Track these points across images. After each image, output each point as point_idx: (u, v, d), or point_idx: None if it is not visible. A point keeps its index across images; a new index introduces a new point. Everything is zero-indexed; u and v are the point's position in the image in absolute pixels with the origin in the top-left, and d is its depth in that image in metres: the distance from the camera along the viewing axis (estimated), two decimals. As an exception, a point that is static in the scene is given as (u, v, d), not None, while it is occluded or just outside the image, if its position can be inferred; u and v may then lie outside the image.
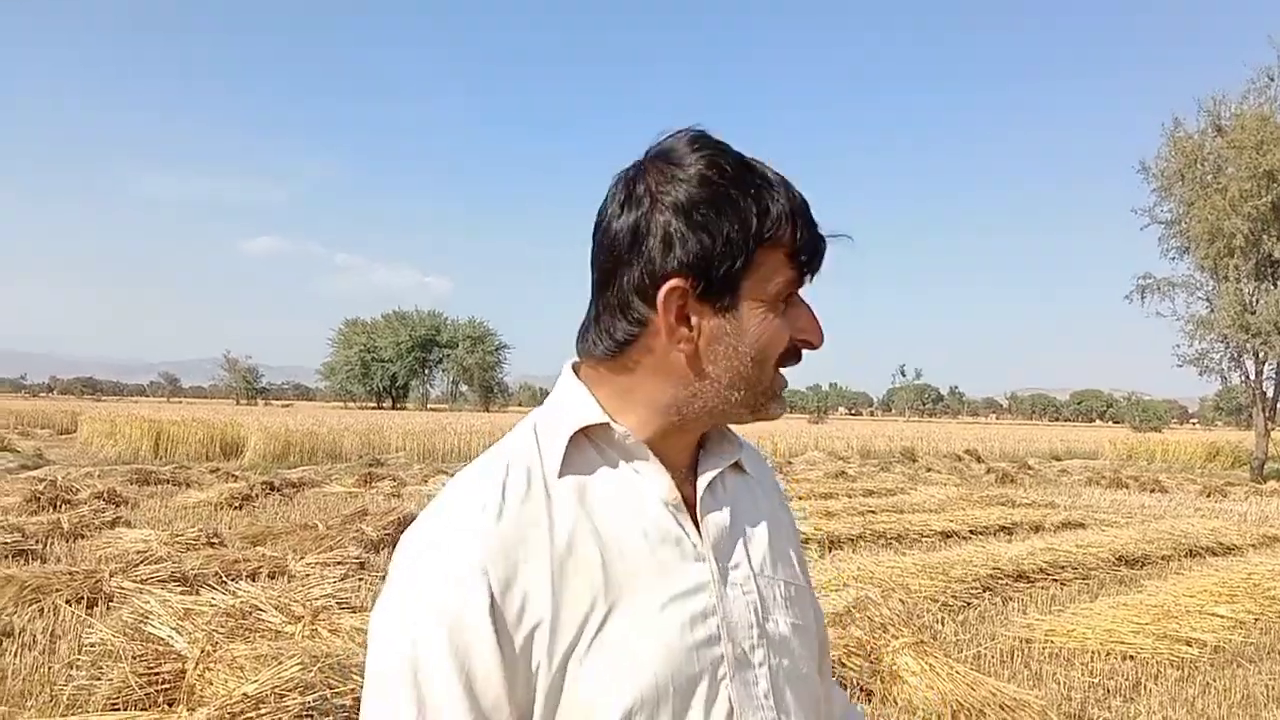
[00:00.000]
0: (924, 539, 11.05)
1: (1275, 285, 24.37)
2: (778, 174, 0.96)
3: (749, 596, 0.97)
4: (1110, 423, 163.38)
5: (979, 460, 29.70)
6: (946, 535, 11.38)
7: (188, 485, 14.70)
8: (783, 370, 0.99)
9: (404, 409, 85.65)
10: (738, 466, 1.08)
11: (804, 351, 1.01)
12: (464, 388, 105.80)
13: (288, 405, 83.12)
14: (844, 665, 5.16)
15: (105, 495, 11.81)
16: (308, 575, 7.53)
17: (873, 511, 13.24)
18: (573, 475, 0.94)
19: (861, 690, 5.05)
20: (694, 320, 0.95)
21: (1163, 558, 10.13)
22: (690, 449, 1.03)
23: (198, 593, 6.40)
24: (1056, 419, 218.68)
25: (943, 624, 6.79)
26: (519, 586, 0.86)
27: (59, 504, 11.13)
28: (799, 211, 0.94)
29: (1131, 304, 26.95)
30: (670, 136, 0.97)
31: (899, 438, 35.58)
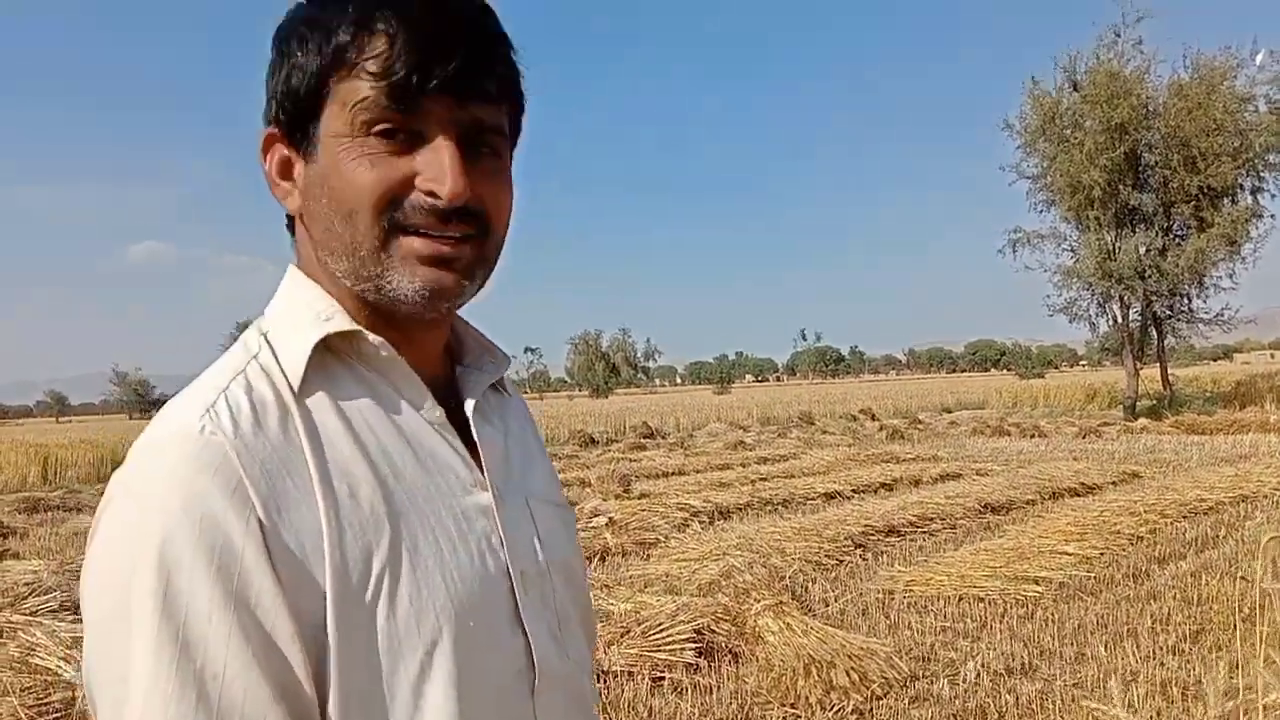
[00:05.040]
0: (809, 502, 11.53)
1: (1133, 232, 25.70)
2: None
3: (526, 521, 0.92)
4: (1004, 370, 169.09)
5: (873, 418, 30.63)
6: (830, 496, 11.88)
7: (79, 510, 14.45)
8: (414, 231, 0.80)
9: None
10: (495, 386, 0.99)
11: (490, 224, 0.84)
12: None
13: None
14: (713, 631, 5.52)
15: (-10, 528, 11.59)
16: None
17: (764, 479, 13.74)
18: (323, 393, 0.81)
19: (730, 652, 5.42)
20: (296, 171, 0.84)
21: (1027, 502, 10.79)
22: (435, 356, 0.93)
23: (87, 620, 6.47)
24: (953, 370, 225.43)
25: (814, 583, 7.22)
26: (289, 514, 0.73)
27: (-59, 542, 10.90)
28: (402, 21, 0.77)
29: (1004, 257, 28.10)
30: None
31: (798, 402, 36.53)
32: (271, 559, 0.71)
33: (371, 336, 0.83)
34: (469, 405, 0.91)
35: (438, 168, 0.78)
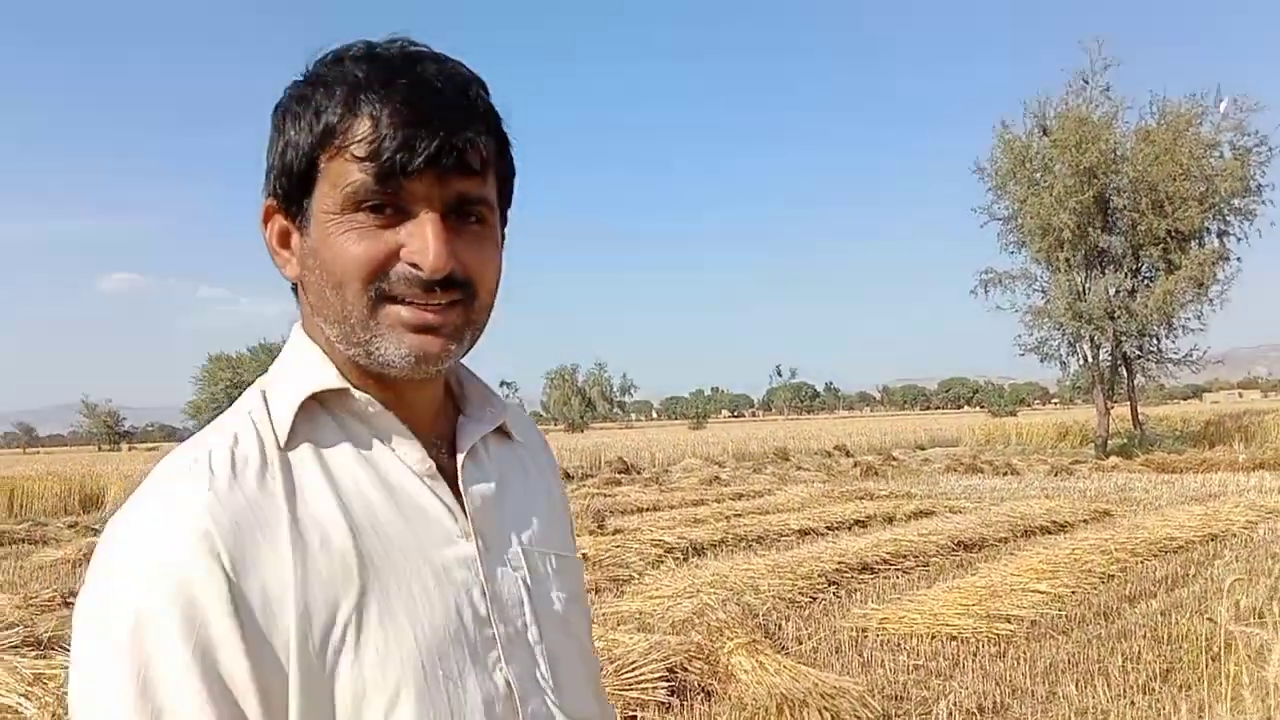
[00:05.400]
0: (783, 538, 11.53)
1: (1103, 274, 26.09)
2: (388, 67, 0.83)
3: (519, 573, 0.91)
4: (977, 408, 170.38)
5: (847, 455, 30.76)
6: (804, 533, 11.88)
7: (44, 543, 14.24)
8: (401, 300, 0.83)
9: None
10: (503, 432, 1.01)
11: (485, 293, 0.88)
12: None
13: (154, 448, 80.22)
14: (685, 670, 5.51)
15: (-48, 561, 11.39)
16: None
17: (739, 515, 13.71)
18: (309, 445, 0.84)
19: (702, 691, 5.41)
20: (293, 242, 0.89)
21: (1000, 540, 10.84)
22: (435, 410, 0.95)
23: (51, 656, 6.36)
24: (927, 407, 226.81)
25: (787, 620, 7.22)
26: (255, 564, 0.76)
27: (-98, 575, 10.71)
28: (387, 103, 0.80)
29: (976, 298, 28.41)
30: None
31: (773, 438, 36.53)
32: (236, 609, 0.74)
33: (358, 393, 0.86)
34: (460, 456, 0.92)
35: (421, 241, 0.81)
